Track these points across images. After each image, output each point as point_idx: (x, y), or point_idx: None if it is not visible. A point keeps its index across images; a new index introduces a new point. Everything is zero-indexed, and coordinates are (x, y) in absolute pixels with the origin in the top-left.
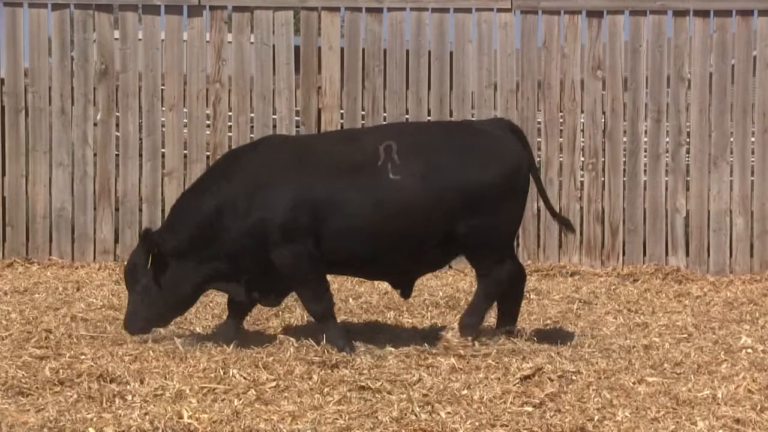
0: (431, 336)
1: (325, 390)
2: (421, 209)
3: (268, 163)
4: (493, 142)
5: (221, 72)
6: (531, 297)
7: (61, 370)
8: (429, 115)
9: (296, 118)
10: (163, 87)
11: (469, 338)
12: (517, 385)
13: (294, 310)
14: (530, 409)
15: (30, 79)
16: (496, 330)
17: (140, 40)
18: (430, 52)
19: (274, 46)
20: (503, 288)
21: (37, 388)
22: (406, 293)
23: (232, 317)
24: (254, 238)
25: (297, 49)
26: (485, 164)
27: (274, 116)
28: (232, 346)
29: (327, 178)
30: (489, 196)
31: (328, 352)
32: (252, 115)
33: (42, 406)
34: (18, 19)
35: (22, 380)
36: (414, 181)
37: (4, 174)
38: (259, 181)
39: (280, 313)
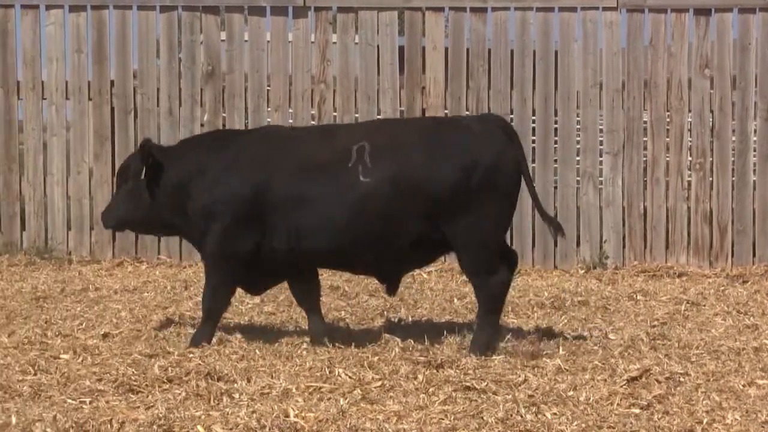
0: (537, 336)
1: (431, 390)
2: (390, 211)
3: (249, 150)
4: (472, 140)
5: (326, 72)
6: (638, 298)
7: (169, 368)
8: (533, 114)
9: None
10: (268, 87)
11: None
12: (624, 386)
13: (399, 310)
14: (637, 411)
15: (139, 81)
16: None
17: (246, 41)
18: (534, 52)
19: (378, 46)
20: (502, 298)
21: (146, 385)
22: (391, 290)
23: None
24: (202, 218)
25: (401, 49)
26: (458, 163)
27: (378, 116)
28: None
29: (297, 173)
30: (464, 196)
31: (433, 352)
32: (356, 115)
33: (151, 404)
34: (127, 21)
35: (132, 378)
36: (383, 183)
37: (114, 175)
38: (232, 164)
39: (385, 312)
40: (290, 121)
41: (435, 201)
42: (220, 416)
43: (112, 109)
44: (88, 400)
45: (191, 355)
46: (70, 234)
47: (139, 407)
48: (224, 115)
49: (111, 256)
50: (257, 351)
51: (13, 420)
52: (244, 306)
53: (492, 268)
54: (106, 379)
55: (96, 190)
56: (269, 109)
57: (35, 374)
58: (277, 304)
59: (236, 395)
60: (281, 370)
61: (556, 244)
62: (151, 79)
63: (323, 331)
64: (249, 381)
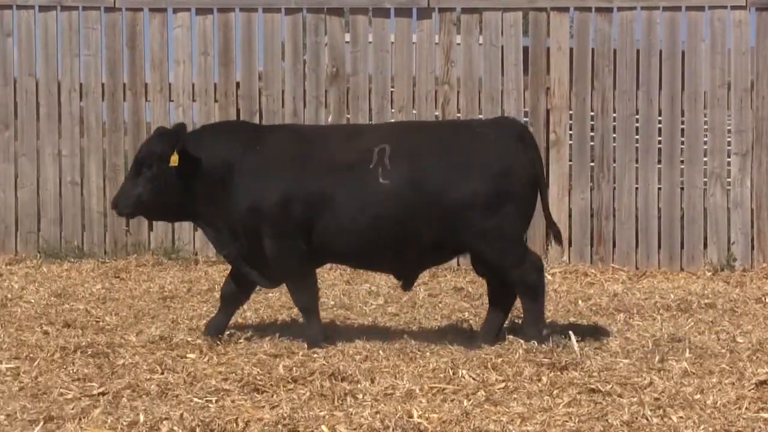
0: (663, 339)
1: (555, 392)
2: (407, 213)
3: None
4: (486, 145)
5: (450, 73)
6: (767, 301)
7: (294, 368)
8: (659, 115)
9: (525, 119)
10: (392, 89)
11: (547, 345)
12: (753, 390)
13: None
14: (766, 415)
15: (264, 83)
16: (481, 332)
17: (370, 42)
18: (661, 52)
19: (502, 47)
20: (539, 285)
21: (271, 385)
22: (406, 286)
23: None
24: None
25: (525, 49)
26: (472, 167)
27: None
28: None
29: (321, 173)
30: (478, 201)
31: (557, 354)
32: (480, 116)
33: (276, 403)
34: (253, 23)
35: (257, 377)
36: (401, 186)
37: None
38: (261, 165)
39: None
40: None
41: (451, 204)
42: (343, 416)
43: (238, 110)
44: (214, 399)
45: (315, 356)
46: (196, 234)
47: (264, 407)
48: (348, 116)
49: None
50: (381, 352)
51: (141, 418)
52: (368, 307)
53: (520, 261)
54: (231, 378)
55: None
56: (393, 110)
57: (162, 373)
58: (400, 305)
59: (360, 395)
60: (405, 371)
61: (683, 246)
62: (276, 80)
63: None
64: (373, 381)
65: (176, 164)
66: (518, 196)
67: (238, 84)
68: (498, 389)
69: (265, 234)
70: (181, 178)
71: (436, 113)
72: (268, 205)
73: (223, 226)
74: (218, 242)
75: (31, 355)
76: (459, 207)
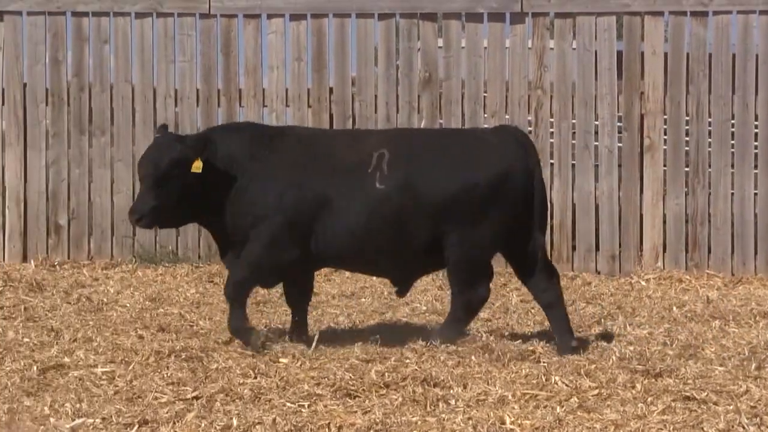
0: (759, 346)
1: (649, 399)
2: (403, 219)
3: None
4: (484, 152)
5: (543, 78)
6: None
7: (386, 374)
8: (756, 119)
9: (618, 123)
10: (485, 94)
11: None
12: None
13: (616, 318)
14: None
15: (357, 88)
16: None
17: (463, 47)
18: (757, 56)
19: (596, 51)
20: (472, 313)
21: (363, 390)
22: (402, 292)
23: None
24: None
25: (619, 54)
26: (471, 174)
27: (596, 122)
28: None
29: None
30: (469, 207)
31: (651, 361)
32: (573, 121)
33: (368, 408)
34: (346, 29)
35: (350, 382)
36: (398, 191)
37: None
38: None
39: (602, 320)
40: None
41: (446, 210)
42: (436, 422)
43: (331, 116)
44: (306, 403)
45: (407, 361)
46: None
47: (356, 412)
48: (441, 121)
49: None
50: (473, 357)
51: (234, 422)
52: None
53: (473, 283)
54: (324, 383)
55: None
56: (486, 115)
57: (255, 377)
58: (492, 311)
59: (452, 401)
60: (497, 377)
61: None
62: (369, 86)
63: (305, 336)
64: (465, 387)
65: (199, 171)
66: (508, 202)
67: (331, 89)
68: (591, 396)
69: (258, 235)
70: (200, 185)
71: (529, 118)
72: (271, 208)
73: (228, 230)
74: (223, 248)
75: (126, 359)
76: (455, 210)
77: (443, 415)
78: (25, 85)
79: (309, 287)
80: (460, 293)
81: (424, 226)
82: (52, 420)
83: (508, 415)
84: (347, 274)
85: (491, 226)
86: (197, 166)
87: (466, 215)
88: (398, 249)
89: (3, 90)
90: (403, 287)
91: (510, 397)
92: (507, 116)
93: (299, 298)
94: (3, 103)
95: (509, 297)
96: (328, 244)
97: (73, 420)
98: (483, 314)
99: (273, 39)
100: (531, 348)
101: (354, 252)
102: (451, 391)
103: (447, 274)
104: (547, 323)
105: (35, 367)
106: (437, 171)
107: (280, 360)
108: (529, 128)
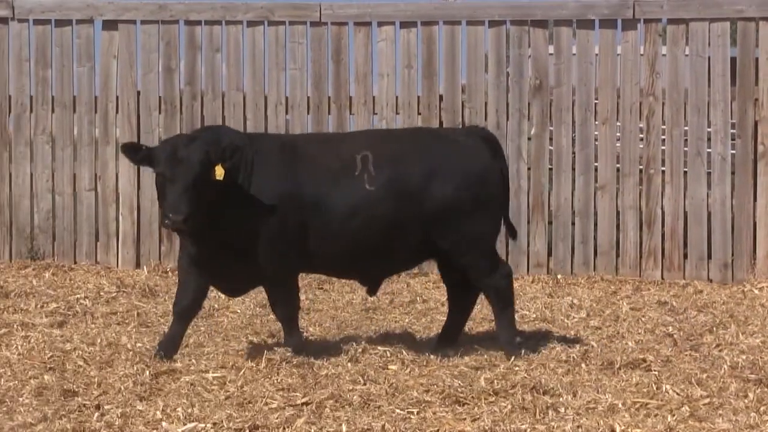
0: None
1: (761, 409)
2: (393, 220)
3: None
4: (462, 152)
5: (655, 85)
6: None
7: (495, 381)
8: None
9: (731, 130)
10: (596, 101)
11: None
12: None
13: (729, 326)
14: None
15: (467, 95)
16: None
17: (574, 54)
18: None
19: (709, 57)
20: (510, 292)
21: (472, 397)
22: (372, 292)
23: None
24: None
25: (733, 60)
26: (453, 174)
27: (708, 129)
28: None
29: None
30: (457, 206)
31: (765, 370)
32: (686, 128)
33: (477, 416)
34: (456, 36)
35: (459, 389)
36: (387, 192)
37: None
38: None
39: (714, 328)
40: (617, 134)
41: (429, 210)
42: (545, 430)
43: (441, 123)
44: (415, 410)
45: (516, 368)
46: None
47: (465, 419)
48: (551, 128)
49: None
50: (583, 365)
51: (344, 428)
52: (569, 320)
53: (492, 268)
54: (433, 390)
55: None
56: (597, 122)
57: (365, 384)
58: (602, 318)
59: (562, 409)
60: (607, 385)
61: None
62: (479, 93)
63: (300, 343)
64: (575, 395)
65: (221, 178)
66: (494, 202)
67: (441, 97)
68: (702, 405)
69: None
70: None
71: (641, 125)
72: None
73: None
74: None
75: (237, 365)
76: (439, 211)
77: (553, 423)
78: (138, 93)
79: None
80: (486, 287)
81: (416, 226)
82: (164, 424)
83: (618, 423)
84: None
85: (482, 220)
86: (220, 173)
87: (455, 213)
88: (388, 251)
89: (117, 98)
90: (373, 287)
91: (620, 406)
92: (618, 123)
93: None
94: (117, 111)
95: (620, 305)
96: (317, 247)
97: (185, 424)
98: (593, 322)
99: (383, 46)
100: (642, 356)
101: (343, 255)
102: (561, 399)
103: (465, 273)
104: (657, 331)
105: (148, 372)
106: (424, 171)
107: (389, 367)
108: (641, 135)
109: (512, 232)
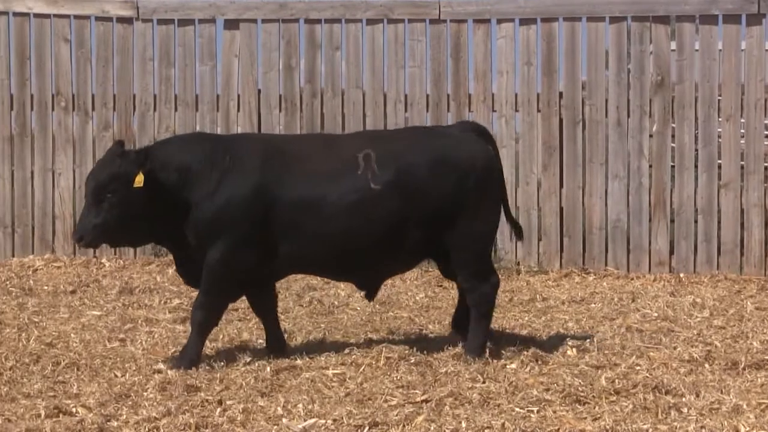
0: None
1: None
2: (397, 217)
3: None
4: (464, 147)
5: None
6: None
7: (616, 380)
8: None
9: None
10: (719, 97)
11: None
12: None
13: None
14: None
15: (587, 92)
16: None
17: (697, 50)
18: None
19: None
20: (492, 303)
21: (593, 396)
22: (370, 296)
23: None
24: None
25: None
26: (458, 170)
27: None
28: None
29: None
30: (464, 201)
31: None
32: None
33: (598, 415)
34: (576, 33)
35: (579, 388)
36: (391, 189)
37: (561, 185)
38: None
39: None
40: (741, 131)
41: (433, 207)
42: (667, 430)
43: (560, 120)
44: (535, 409)
45: (638, 368)
46: (518, 244)
47: (585, 418)
48: (673, 125)
49: (558, 267)
50: (706, 365)
51: (463, 425)
52: (692, 319)
53: (483, 273)
54: (553, 389)
55: (544, 201)
56: (720, 119)
57: (484, 382)
58: (726, 318)
59: (684, 410)
60: (731, 386)
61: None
62: (600, 90)
63: (281, 341)
64: (697, 395)
65: (141, 185)
66: (494, 197)
67: (561, 94)
68: None
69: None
70: (146, 199)
71: (766, 121)
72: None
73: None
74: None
75: (357, 362)
76: (441, 205)
77: (675, 424)
78: (259, 91)
79: (274, 294)
80: (472, 288)
81: (416, 224)
82: (284, 420)
83: (742, 424)
84: (576, 279)
85: (484, 216)
86: (139, 181)
87: (457, 208)
88: (385, 248)
89: (238, 96)
90: (371, 291)
91: (745, 407)
92: (742, 120)
93: (266, 303)
94: (238, 110)
95: (744, 304)
96: (309, 249)
97: (305, 420)
98: (717, 321)
99: (502, 44)
100: (767, 357)
101: (331, 256)
102: (683, 399)
103: (456, 271)
104: None
105: (269, 368)
106: (426, 167)
107: (509, 365)
108: (766, 132)
109: (518, 232)
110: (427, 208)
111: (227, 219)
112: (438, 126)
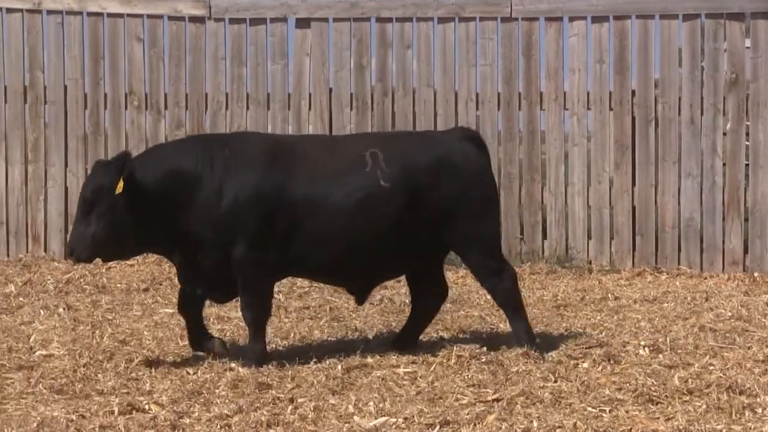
0: None
1: None
2: (405, 216)
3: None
4: (459, 151)
5: None
6: None
7: (690, 380)
8: None
9: None
10: None
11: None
12: None
13: None
14: None
15: (660, 90)
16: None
17: None
18: None
19: None
20: (517, 294)
21: (666, 396)
22: (361, 299)
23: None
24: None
25: None
26: (458, 173)
27: None
28: None
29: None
30: (465, 201)
31: None
32: None
33: (671, 415)
34: (649, 30)
35: (652, 388)
36: (398, 189)
37: (634, 184)
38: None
39: None
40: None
41: (436, 206)
42: (742, 430)
43: (633, 118)
44: (607, 408)
45: (711, 368)
46: (590, 243)
47: (658, 418)
48: (748, 123)
49: (631, 266)
50: None
51: (535, 425)
52: (767, 319)
53: (498, 269)
54: (625, 388)
55: (616, 200)
56: None
57: (555, 381)
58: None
59: (759, 410)
60: None
61: None
62: (673, 88)
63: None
64: None
65: (121, 191)
66: (494, 200)
67: (633, 92)
68: None
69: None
70: (134, 207)
71: None
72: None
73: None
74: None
75: (428, 360)
76: (442, 209)
77: (749, 424)
78: (330, 90)
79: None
80: (494, 288)
81: (421, 225)
82: (356, 418)
83: None
84: (649, 278)
85: (487, 217)
86: (120, 187)
87: (464, 211)
88: (384, 252)
89: (310, 95)
90: (362, 295)
91: None
92: None
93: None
94: (310, 108)
95: None
96: (312, 251)
97: (376, 418)
98: None
99: (574, 42)
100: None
101: (333, 258)
102: (758, 400)
103: (474, 277)
104: None
105: (340, 366)
106: (431, 169)
107: (581, 364)
108: None
109: None
110: (431, 207)
111: (242, 216)
112: (430, 131)
